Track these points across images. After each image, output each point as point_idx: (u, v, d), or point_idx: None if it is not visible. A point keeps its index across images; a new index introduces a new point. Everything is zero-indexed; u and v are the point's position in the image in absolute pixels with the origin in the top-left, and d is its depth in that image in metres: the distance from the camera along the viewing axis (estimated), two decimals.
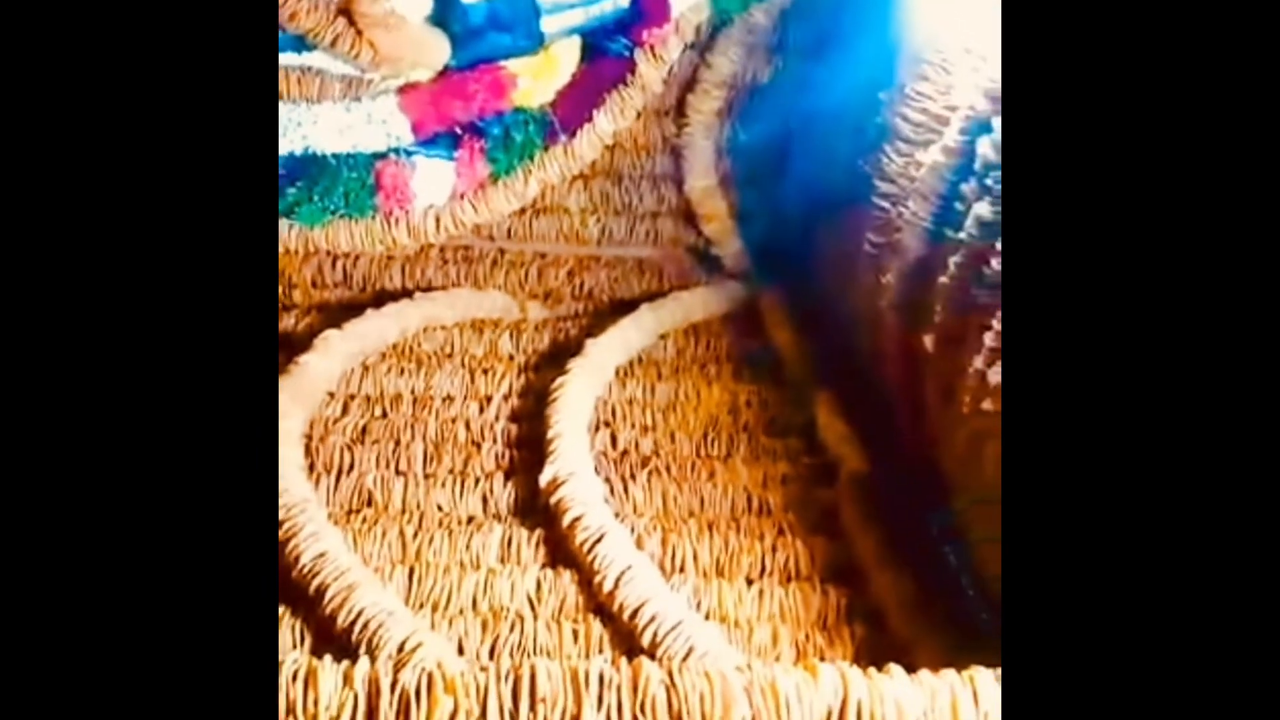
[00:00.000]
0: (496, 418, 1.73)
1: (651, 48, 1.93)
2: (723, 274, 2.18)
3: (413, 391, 1.79)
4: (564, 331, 2.02)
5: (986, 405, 1.22)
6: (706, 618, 1.33)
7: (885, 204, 1.59)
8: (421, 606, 1.33)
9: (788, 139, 2.14)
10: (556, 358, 1.86)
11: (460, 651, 1.27)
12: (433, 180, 1.92)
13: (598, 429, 1.72)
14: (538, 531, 1.45)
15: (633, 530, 1.45)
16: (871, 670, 0.86)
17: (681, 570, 1.42)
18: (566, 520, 1.42)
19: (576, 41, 1.91)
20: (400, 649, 1.19)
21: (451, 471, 1.59)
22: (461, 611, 1.33)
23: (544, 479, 1.49)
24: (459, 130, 1.89)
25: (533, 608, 1.34)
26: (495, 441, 1.67)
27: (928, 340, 1.42)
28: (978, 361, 1.25)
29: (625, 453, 1.67)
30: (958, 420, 1.32)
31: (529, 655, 1.26)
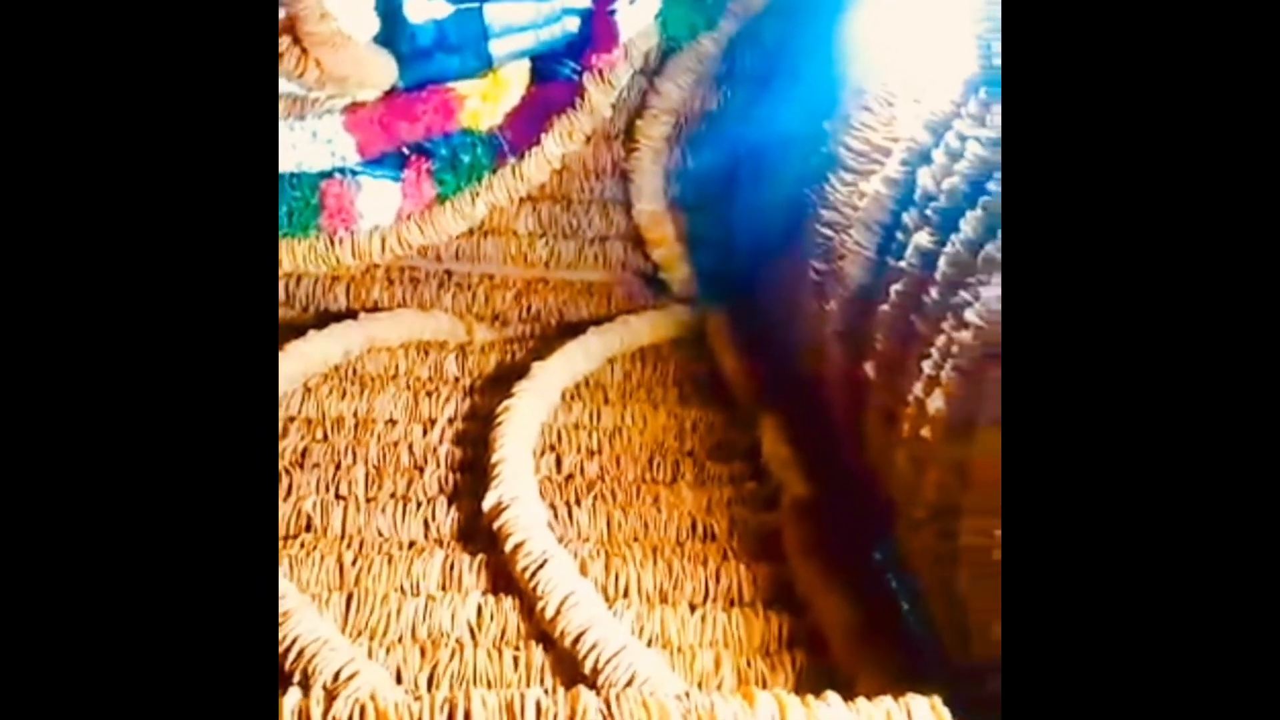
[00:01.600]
0: (440, 441, 1.71)
1: (600, 72, 1.94)
2: (671, 298, 2.19)
3: (355, 414, 1.76)
4: (511, 354, 2.01)
5: (925, 432, 1.23)
6: (649, 644, 1.32)
7: (829, 232, 1.61)
8: (359, 634, 1.30)
9: (735, 166, 2.16)
10: (503, 381, 1.85)
11: (398, 680, 1.25)
12: (378, 200, 1.90)
13: (543, 453, 1.71)
14: (480, 557, 1.43)
15: (576, 556, 1.44)
16: (809, 697, 0.86)
17: (625, 596, 1.41)
18: (509, 545, 1.40)
19: (525, 65, 1.91)
20: (335, 678, 1.16)
21: (393, 496, 1.57)
22: (400, 639, 1.31)
23: (487, 503, 1.48)
24: (406, 151, 1.88)
25: (473, 635, 1.32)
26: (439, 465, 1.65)
27: (869, 367, 1.43)
28: (917, 389, 1.26)
29: (570, 477, 1.66)
30: (898, 446, 1.34)
31: (469, 684, 1.24)
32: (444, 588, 1.39)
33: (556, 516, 1.54)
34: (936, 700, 0.86)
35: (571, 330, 2.03)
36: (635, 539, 1.53)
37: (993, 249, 1.20)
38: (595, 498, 1.60)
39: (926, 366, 1.26)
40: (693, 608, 1.39)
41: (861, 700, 0.85)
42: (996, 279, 1.17)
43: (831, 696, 0.86)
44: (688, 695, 0.83)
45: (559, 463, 1.69)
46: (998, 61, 1.32)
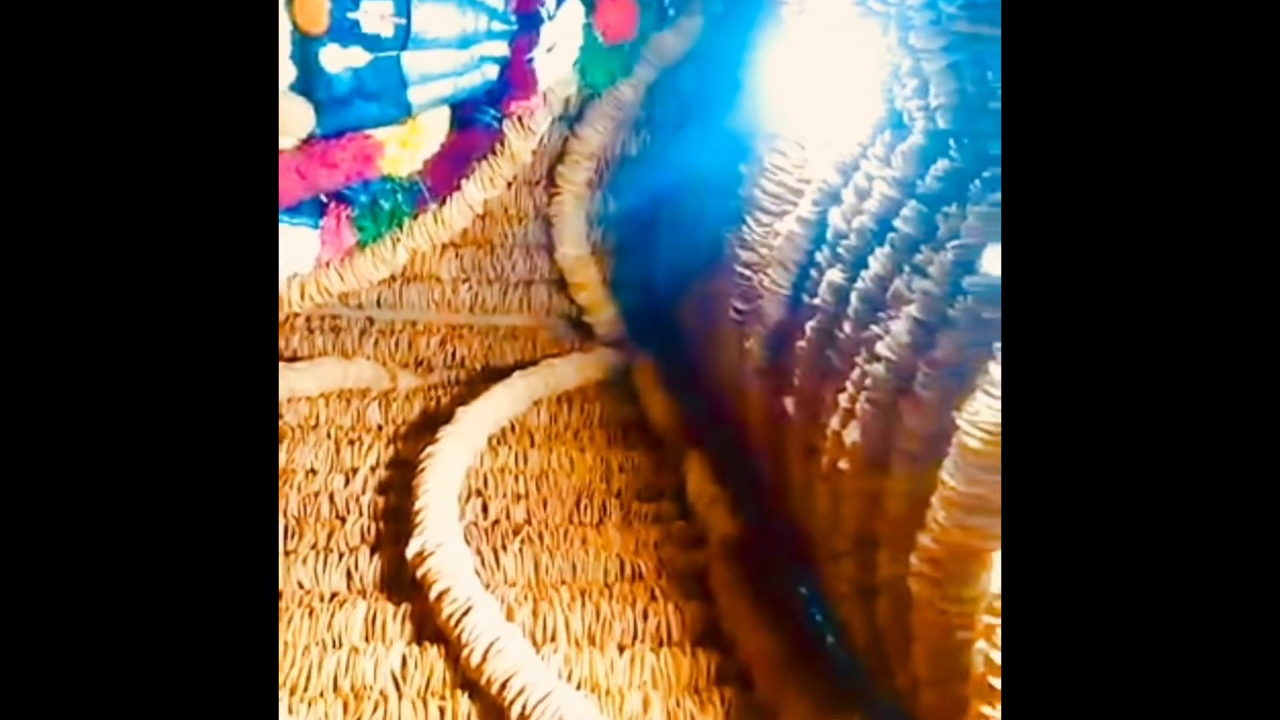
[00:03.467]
0: (363, 490, 1.69)
1: (520, 119, 1.96)
2: (596, 341, 2.20)
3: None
4: (435, 400, 2.00)
5: (842, 464, 1.25)
6: (578, 687, 1.31)
7: (747, 272, 1.64)
8: (279, 689, 1.27)
9: (656, 209, 2.20)
10: (427, 427, 1.83)
11: None
12: (297, 248, 1.88)
13: (468, 498, 1.69)
14: (404, 606, 1.41)
15: (503, 601, 1.43)
16: None
17: (553, 640, 1.40)
18: (434, 593, 1.38)
19: (445, 112, 1.92)
20: None
21: (314, 547, 1.53)
22: (322, 693, 1.28)
23: (410, 551, 1.45)
24: (324, 198, 1.87)
25: (397, 686, 1.30)
26: (361, 514, 1.62)
27: (789, 403, 1.46)
28: (834, 422, 1.29)
29: (496, 522, 1.65)
30: (819, 479, 1.36)
31: None
32: (367, 639, 1.36)
33: (483, 562, 1.53)
34: None
35: (496, 375, 2.03)
36: (563, 582, 1.52)
37: (900, 284, 1.24)
38: (522, 541, 1.59)
39: (842, 400, 1.28)
40: (621, 649, 1.39)
41: None
42: (905, 312, 1.20)
43: None
44: None
45: (485, 508, 1.68)
46: (900, 105, 1.37)
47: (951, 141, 1.29)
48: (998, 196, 1.14)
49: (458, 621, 1.32)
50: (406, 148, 1.86)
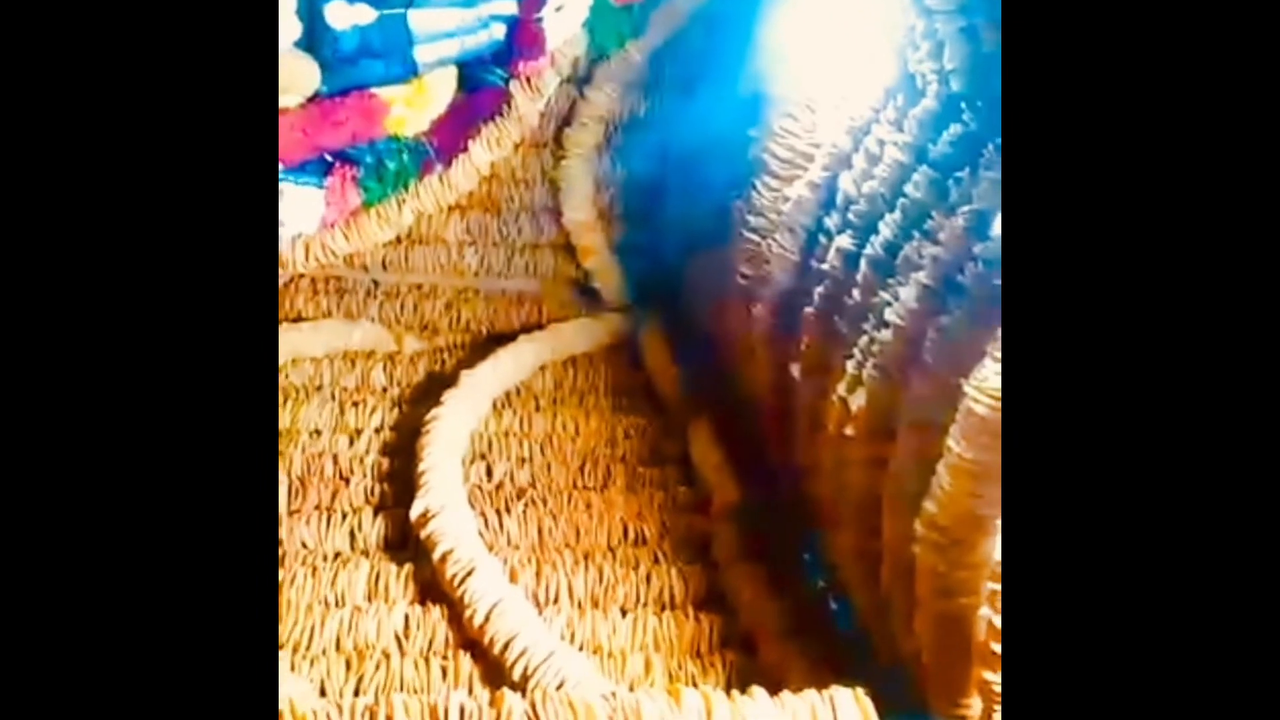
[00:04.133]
0: (366, 451, 1.69)
1: (528, 80, 1.94)
2: (602, 306, 2.19)
3: (279, 426, 1.73)
4: (440, 364, 1.99)
5: (849, 430, 1.25)
6: (580, 649, 1.32)
7: (755, 237, 1.62)
8: (282, 647, 1.27)
9: (664, 174, 2.17)
10: (432, 391, 1.83)
11: (322, 693, 1.22)
12: (301, 208, 1.87)
13: (473, 461, 1.69)
14: (407, 567, 1.41)
15: (506, 563, 1.43)
16: (735, 693, 0.87)
17: (556, 602, 1.41)
18: (437, 554, 1.39)
19: (452, 71, 1.90)
20: None
21: (318, 507, 1.54)
22: (324, 651, 1.28)
23: (414, 512, 1.46)
24: (329, 157, 1.85)
25: (400, 645, 1.30)
26: (365, 476, 1.63)
27: (795, 369, 1.45)
28: (841, 388, 1.28)
29: (500, 485, 1.65)
30: (824, 446, 1.35)
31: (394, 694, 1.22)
32: (370, 598, 1.37)
33: (486, 525, 1.53)
34: (860, 691, 0.87)
35: (502, 339, 2.02)
36: (566, 545, 1.52)
37: (910, 250, 1.22)
38: (526, 505, 1.59)
39: (849, 366, 1.27)
40: (624, 612, 1.39)
41: (787, 694, 0.86)
42: (915, 279, 1.19)
43: (757, 691, 0.86)
44: (614, 695, 0.83)
45: (489, 471, 1.68)
46: (913, 68, 1.35)
47: (964, 105, 1.27)
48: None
49: (460, 583, 1.33)
50: (413, 107, 1.84)
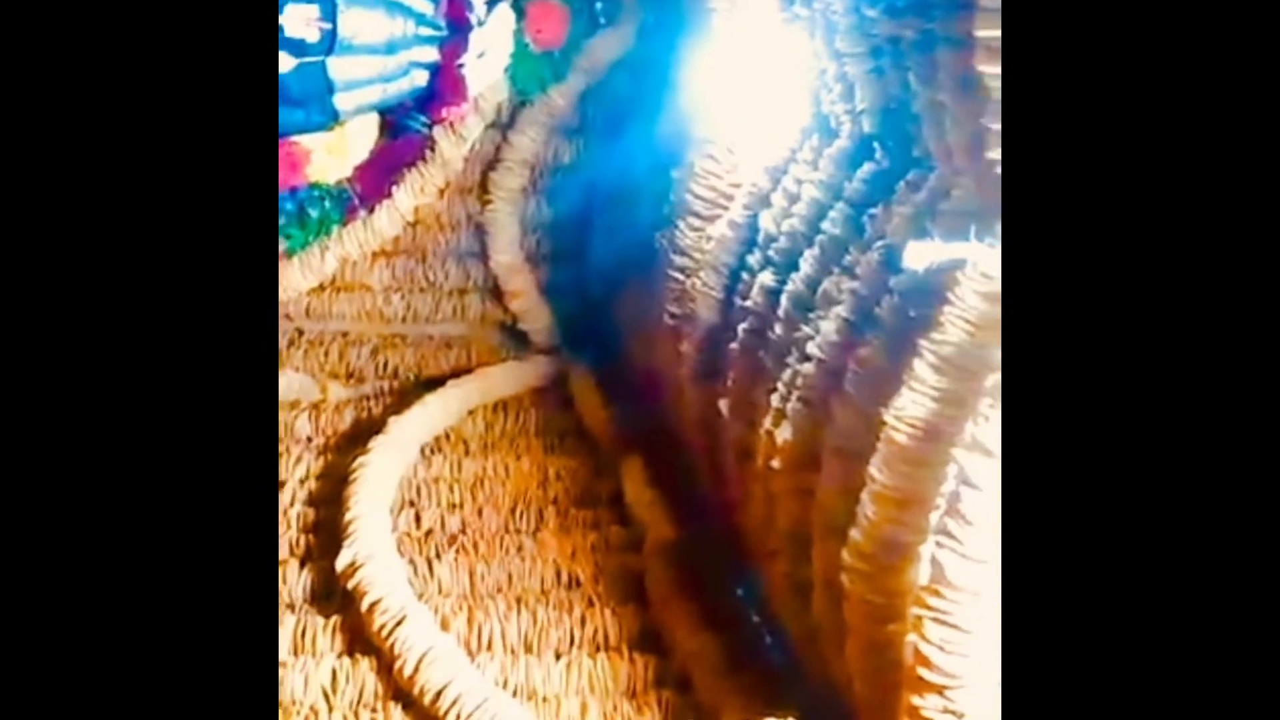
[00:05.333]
0: (291, 503, 1.65)
1: (451, 125, 1.95)
2: (531, 348, 2.19)
3: None
4: (367, 411, 1.97)
5: (775, 463, 1.26)
6: (514, 695, 1.30)
7: (680, 276, 1.65)
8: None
9: (590, 215, 2.20)
10: (358, 438, 1.80)
11: None
12: None
13: (401, 509, 1.67)
14: (334, 619, 1.38)
15: (437, 611, 1.41)
16: None
17: (489, 648, 1.38)
18: (365, 604, 1.36)
19: (374, 118, 1.90)
20: None
21: None
22: None
23: (341, 563, 1.43)
24: None
25: (328, 700, 1.27)
26: (290, 527, 1.59)
27: (723, 405, 1.46)
28: (767, 422, 1.30)
29: (430, 532, 1.63)
30: (754, 480, 1.36)
31: None
32: (296, 653, 1.33)
33: (416, 573, 1.50)
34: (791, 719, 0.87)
35: (430, 385, 2.01)
36: (498, 590, 1.50)
37: (829, 285, 1.25)
38: (457, 551, 1.57)
39: (775, 400, 1.29)
40: (558, 655, 1.37)
41: None
42: (834, 312, 1.22)
43: None
44: None
45: (418, 518, 1.65)
46: (827, 110, 1.39)
47: (876, 145, 1.32)
48: (921, 197, 1.16)
49: (390, 633, 1.30)
50: (334, 154, 1.84)
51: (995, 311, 0.94)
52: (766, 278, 1.39)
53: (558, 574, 1.54)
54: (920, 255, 1.06)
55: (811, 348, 1.23)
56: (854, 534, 1.03)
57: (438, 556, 1.55)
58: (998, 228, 0.96)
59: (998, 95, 0.90)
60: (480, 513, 1.69)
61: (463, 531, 1.63)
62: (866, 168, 1.30)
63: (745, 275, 1.48)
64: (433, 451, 1.83)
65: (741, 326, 1.43)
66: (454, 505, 1.71)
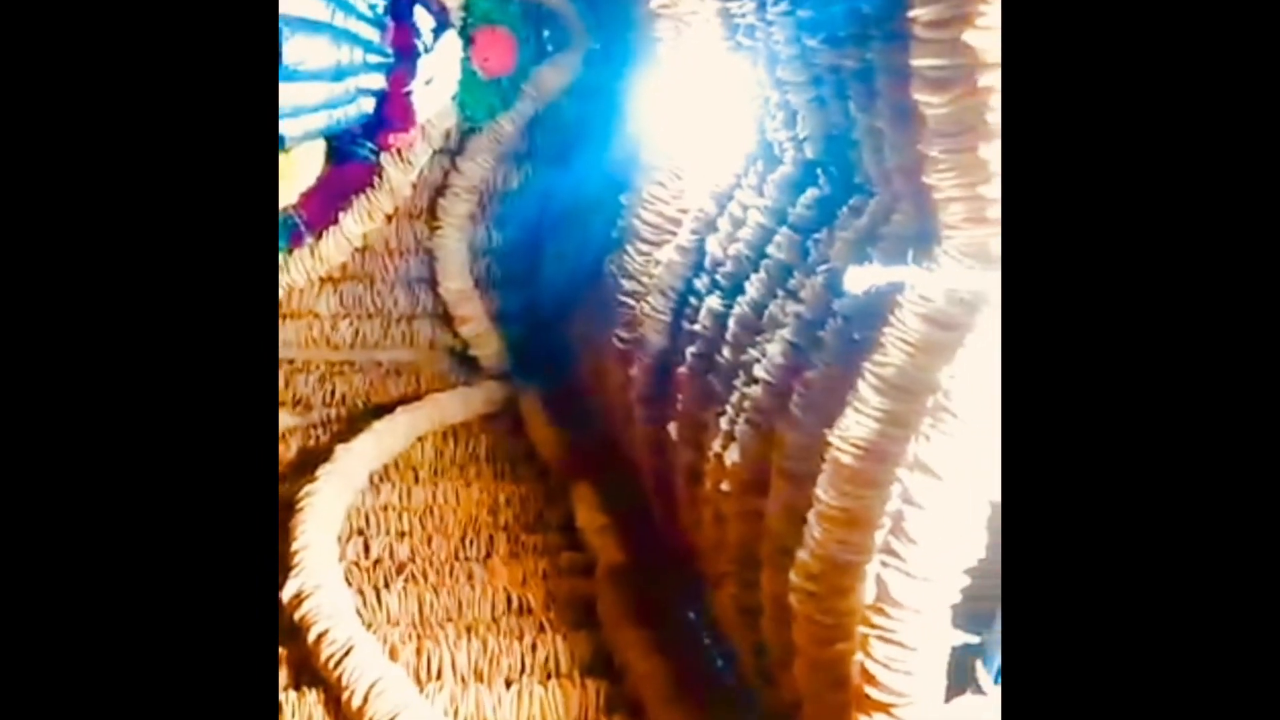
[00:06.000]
0: None
1: (398, 152, 1.95)
2: (481, 374, 2.18)
3: None
4: (314, 439, 1.94)
5: (725, 486, 1.27)
6: None
7: (629, 301, 1.66)
8: None
9: (540, 241, 2.20)
10: (305, 467, 1.78)
11: None
12: None
13: (349, 538, 1.65)
14: (281, 651, 1.35)
15: (386, 641, 1.39)
16: None
17: (438, 678, 1.37)
18: (312, 636, 1.33)
19: (320, 145, 1.89)
20: None
21: None
22: None
23: (287, 594, 1.40)
24: None
25: None
26: None
27: (672, 428, 1.47)
28: (716, 445, 1.31)
29: (378, 561, 1.61)
30: (703, 502, 1.37)
31: None
32: None
33: (364, 602, 1.48)
34: None
35: (379, 412, 1.99)
36: (448, 619, 1.49)
37: (775, 308, 1.27)
38: (405, 580, 1.56)
39: (723, 423, 1.30)
40: (509, 683, 1.36)
41: None
42: (780, 335, 1.23)
43: None
44: None
45: (366, 547, 1.63)
46: (771, 137, 1.41)
47: (819, 171, 1.34)
48: (863, 222, 1.19)
49: (337, 663, 1.28)
50: (280, 181, 1.82)
51: (935, 333, 0.96)
52: (713, 302, 1.41)
53: (508, 600, 1.53)
54: (861, 279, 1.08)
55: (758, 370, 1.24)
56: (801, 555, 1.04)
57: (386, 585, 1.53)
58: (936, 251, 0.99)
59: (934, 123, 0.93)
60: (430, 540, 1.67)
61: (412, 559, 1.62)
62: (810, 193, 1.32)
63: (693, 299, 1.49)
64: (381, 479, 1.82)
65: (689, 350, 1.44)
66: (403, 533, 1.69)
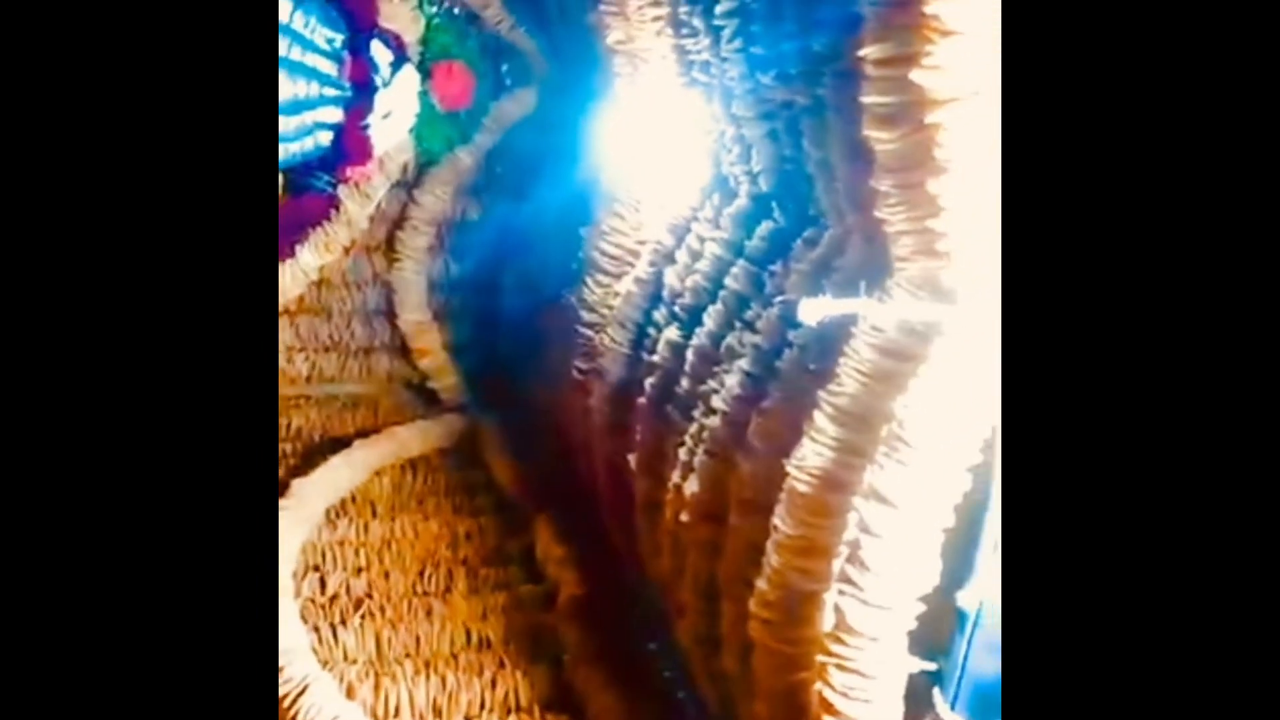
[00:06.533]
0: None
1: (356, 185, 1.94)
2: (439, 407, 2.17)
3: None
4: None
5: (684, 516, 1.27)
6: None
7: (588, 332, 1.66)
8: None
9: (498, 273, 2.21)
10: None
11: None
12: None
13: (305, 574, 1.62)
14: None
15: (342, 679, 1.37)
16: None
17: (396, 715, 1.35)
18: None
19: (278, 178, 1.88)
20: None
21: None
22: None
23: None
24: None
25: None
26: None
27: (632, 459, 1.47)
28: (675, 476, 1.31)
29: (335, 597, 1.59)
30: (663, 533, 1.37)
31: None
32: None
33: (320, 639, 1.46)
34: None
35: (336, 445, 1.97)
36: (406, 655, 1.47)
37: (732, 339, 1.28)
38: (363, 616, 1.54)
39: (682, 454, 1.31)
40: None
41: None
42: (738, 366, 1.24)
43: None
44: None
45: (323, 583, 1.61)
46: (726, 170, 1.44)
47: (774, 204, 1.36)
48: (817, 254, 1.21)
49: (293, 702, 1.26)
50: None
51: (888, 363, 0.97)
52: (672, 333, 1.42)
53: (468, 636, 1.52)
54: (815, 310, 1.09)
55: (716, 401, 1.25)
56: (760, 584, 1.05)
57: (343, 622, 1.51)
58: (888, 283, 1.00)
59: (884, 158, 0.95)
60: (387, 575, 1.65)
61: (369, 595, 1.60)
62: (765, 226, 1.34)
63: (651, 330, 1.50)
64: (338, 514, 1.80)
65: (648, 381, 1.45)
66: (360, 569, 1.67)
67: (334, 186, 1.90)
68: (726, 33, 1.28)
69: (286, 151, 1.80)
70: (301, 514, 1.70)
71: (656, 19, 1.43)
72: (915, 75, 0.85)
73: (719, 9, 1.27)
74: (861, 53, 0.92)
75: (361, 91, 1.84)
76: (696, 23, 1.35)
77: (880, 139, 0.94)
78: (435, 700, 1.36)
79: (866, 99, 0.94)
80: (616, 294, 1.60)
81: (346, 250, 2.03)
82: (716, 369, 1.30)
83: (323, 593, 1.59)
